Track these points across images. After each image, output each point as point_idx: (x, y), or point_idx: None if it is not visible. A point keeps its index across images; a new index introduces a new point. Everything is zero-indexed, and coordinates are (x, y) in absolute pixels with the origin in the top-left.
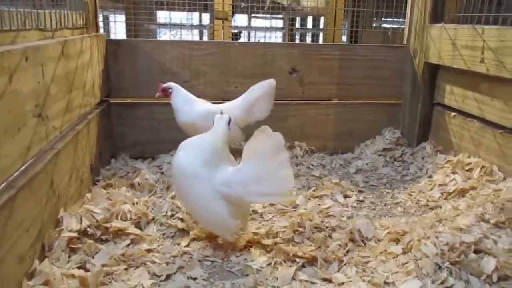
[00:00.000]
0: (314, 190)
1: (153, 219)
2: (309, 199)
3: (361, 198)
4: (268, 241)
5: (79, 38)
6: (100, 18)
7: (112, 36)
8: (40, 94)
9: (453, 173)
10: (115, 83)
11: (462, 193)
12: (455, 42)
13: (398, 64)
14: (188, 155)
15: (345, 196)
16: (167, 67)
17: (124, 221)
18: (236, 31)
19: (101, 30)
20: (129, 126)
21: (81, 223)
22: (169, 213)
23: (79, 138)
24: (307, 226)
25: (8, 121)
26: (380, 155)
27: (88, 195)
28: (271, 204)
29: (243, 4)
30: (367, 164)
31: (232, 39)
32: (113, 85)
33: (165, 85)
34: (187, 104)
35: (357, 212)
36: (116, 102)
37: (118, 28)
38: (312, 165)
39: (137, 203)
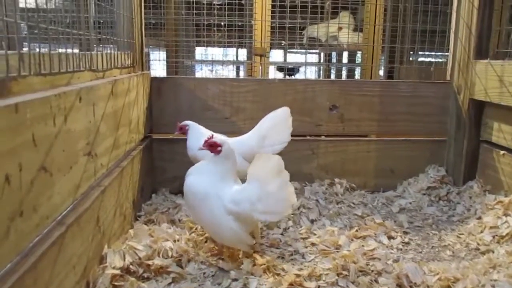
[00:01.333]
0: (356, 230)
1: (194, 257)
2: (352, 240)
3: (406, 239)
4: (311, 284)
5: (127, 77)
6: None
7: (152, 73)
8: (91, 133)
9: (505, 215)
10: (158, 119)
11: None
12: (502, 79)
13: (441, 100)
14: (198, 178)
15: (390, 237)
16: (208, 104)
17: (166, 258)
18: (291, 66)
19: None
20: (170, 161)
21: (124, 260)
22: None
23: (123, 174)
24: (351, 269)
25: (61, 160)
26: (424, 194)
27: (131, 231)
28: (313, 244)
29: (283, 42)
30: (410, 203)
31: (285, 76)
32: (156, 121)
33: (182, 123)
34: (199, 139)
35: (403, 255)
36: (157, 137)
37: (156, 65)
38: (353, 203)
39: (178, 240)
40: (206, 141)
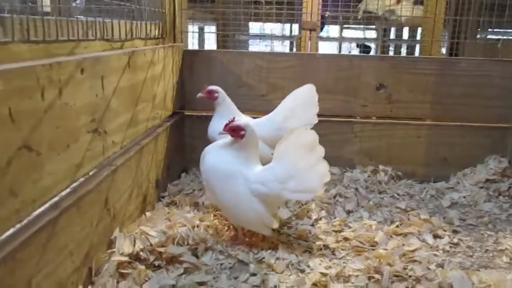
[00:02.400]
0: (397, 226)
1: (212, 246)
2: (391, 237)
3: (455, 240)
4: (337, 286)
5: (151, 49)
6: (195, 29)
7: (207, 47)
8: (98, 108)
9: None
10: (191, 95)
11: None
12: None
13: (508, 81)
14: (218, 156)
15: (436, 236)
16: (242, 80)
17: (181, 246)
18: (367, 43)
19: (189, 41)
20: (201, 139)
21: (134, 246)
22: None
23: (143, 152)
24: (385, 272)
25: (54, 138)
26: (481, 187)
27: (148, 213)
28: (346, 239)
29: (328, 13)
30: (464, 197)
31: (361, 52)
32: (188, 97)
33: (212, 87)
34: (228, 116)
35: (450, 259)
36: (189, 114)
37: (212, 39)
38: (398, 194)
39: (197, 227)
40: (227, 125)
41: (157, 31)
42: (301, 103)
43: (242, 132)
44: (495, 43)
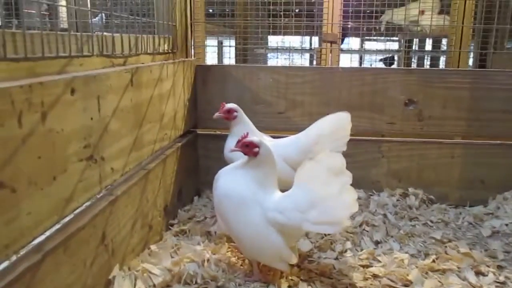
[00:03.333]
0: (433, 261)
1: (224, 284)
2: (427, 274)
3: (501, 278)
4: None
5: (158, 65)
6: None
7: (226, 62)
8: (93, 132)
9: None
10: (203, 112)
11: None
12: None
13: None
14: (232, 180)
15: (478, 273)
16: (259, 96)
17: (189, 285)
18: (389, 55)
19: (208, 55)
20: (216, 159)
21: (134, 286)
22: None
23: (150, 178)
24: None
25: (34, 170)
26: None
27: (153, 246)
28: (375, 276)
29: (350, 24)
30: (507, 225)
31: (386, 65)
32: (201, 115)
33: (229, 105)
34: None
35: None
36: (203, 133)
37: (232, 53)
38: (431, 222)
39: (208, 261)
40: (240, 141)
41: (166, 45)
42: (334, 131)
43: (256, 149)
44: None
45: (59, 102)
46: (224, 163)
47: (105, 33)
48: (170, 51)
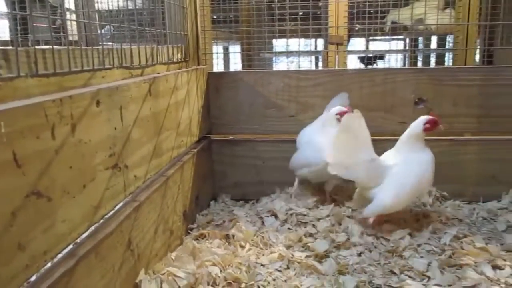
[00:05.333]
0: (450, 256)
1: (246, 285)
2: (444, 269)
3: None
4: None
5: (173, 74)
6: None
7: (232, 67)
8: (117, 142)
9: None
10: (217, 118)
11: None
12: None
13: None
14: None
15: (495, 267)
16: (271, 100)
17: (212, 286)
18: (370, 55)
19: (214, 61)
20: (230, 165)
21: None
22: (269, 278)
23: (169, 184)
24: None
25: (67, 180)
26: None
27: (175, 251)
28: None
29: (357, 26)
30: None
31: (365, 65)
32: (215, 121)
33: (342, 108)
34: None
35: None
36: (217, 139)
37: (237, 59)
38: (446, 218)
39: (229, 265)
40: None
41: (179, 55)
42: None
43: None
44: None
45: (86, 114)
46: (238, 168)
47: (123, 45)
48: (183, 59)
